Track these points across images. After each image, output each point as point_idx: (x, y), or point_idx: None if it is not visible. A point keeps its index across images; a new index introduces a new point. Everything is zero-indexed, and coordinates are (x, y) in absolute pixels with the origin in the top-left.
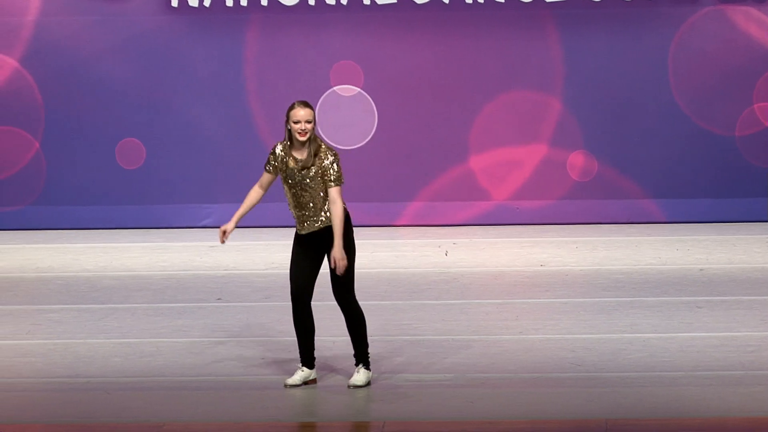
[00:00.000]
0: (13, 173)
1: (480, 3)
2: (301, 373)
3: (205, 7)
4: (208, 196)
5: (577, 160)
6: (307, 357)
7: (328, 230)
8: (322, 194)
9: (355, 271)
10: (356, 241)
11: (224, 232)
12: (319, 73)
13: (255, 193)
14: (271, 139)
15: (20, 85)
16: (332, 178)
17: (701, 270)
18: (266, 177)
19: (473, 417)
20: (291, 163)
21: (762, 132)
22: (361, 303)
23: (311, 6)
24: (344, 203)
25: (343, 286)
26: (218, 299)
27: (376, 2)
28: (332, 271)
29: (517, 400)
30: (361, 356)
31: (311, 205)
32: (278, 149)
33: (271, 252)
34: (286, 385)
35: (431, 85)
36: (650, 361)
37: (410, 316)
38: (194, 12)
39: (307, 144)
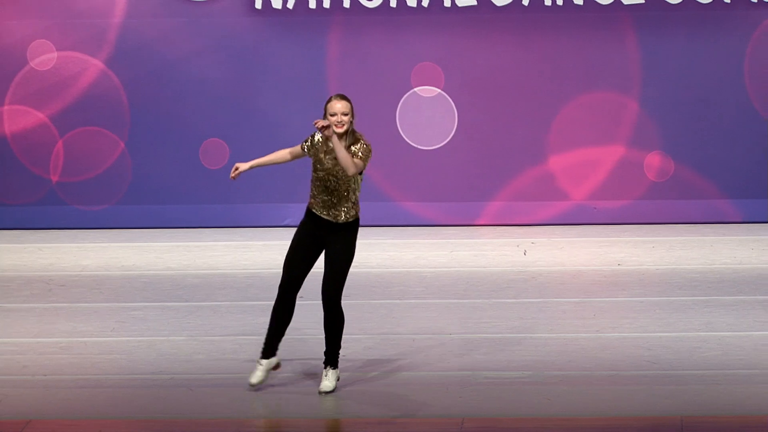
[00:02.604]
0: (99, 173)
1: (559, 5)
2: (261, 368)
3: (288, 9)
4: (290, 196)
5: (654, 161)
6: (271, 348)
7: (344, 226)
8: (349, 188)
9: (430, 270)
10: (436, 240)
11: (237, 168)
12: (400, 74)
13: (282, 156)
14: None
15: (106, 86)
16: (359, 155)
17: None
18: (298, 150)
19: (551, 414)
20: (324, 154)
21: None
22: (439, 301)
23: (392, 8)
24: (360, 172)
25: (336, 284)
26: (300, 297)
27: (456, 4)
28: (327, 267)
29: (595, 397)
30: (332, 358)
31: (337, 196)
32: (317, 136)
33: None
34: (251, 385)
35: (510, 86)
36: (725, 359)
37: (489, 314)
38: (277, 14)
39: (345, 137)
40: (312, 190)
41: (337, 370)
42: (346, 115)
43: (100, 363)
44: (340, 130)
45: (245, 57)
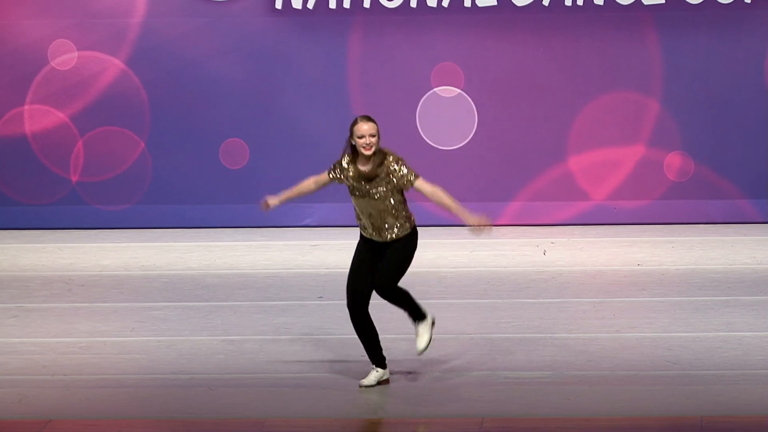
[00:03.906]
0: (120, 173)
1: (579, 5)
2: (376, 374)
3: (309, 8)
4: (310, 196)
5: (674, 161)
6: (377, 358)
7: (393, 242)
8: (388, 206)
9: (450, 270)
10: (456, 240)
11: (267, 203)
12: (421, 74)
13: (307, 186)
14: None
15: (126, 86)
16: (407, 175)
17: None
18: (324, 178)
19: (571, 414)
20: (354, 177)
21: None
22: (459, 301)
23: (413, 8)
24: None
25: (387, 275)
26: (320, 297)
27: (476, 4)
28: (381, 264)
29: (615, 397)
30: (417, 313)
31: (382, 217)
32: (344, 162)
33: None
34: (361, 386)
35: (531, 86)
36: (745, 359)
37: (509, 314)
38: (298, 13)
39: (372, 157)
40: (356, 215)
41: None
42: (373, 136)
43: (120, 363)
44: (369, 153)
45: (265, 57)
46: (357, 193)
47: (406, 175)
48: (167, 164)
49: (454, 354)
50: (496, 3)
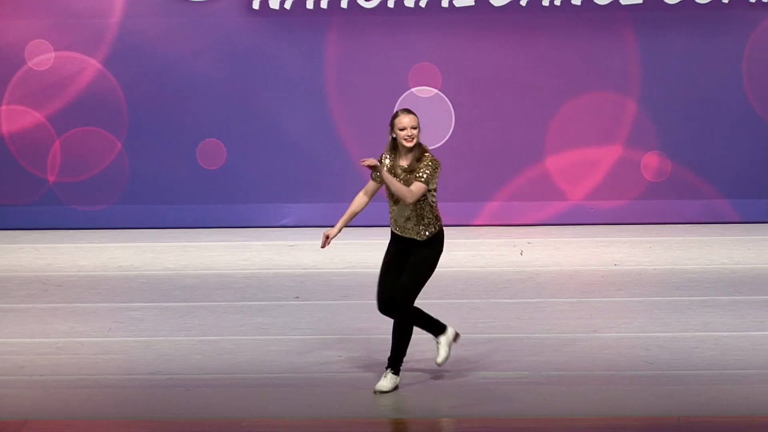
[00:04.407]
0: (97, 173)
1: (556, 5)
2: (393, 379)
3: (286, 9)
4: (288, 196)
5: (651, 161)
6: (396, 363)
7: (427, 242)
8: (425, 205)
9: (435, 269)
10: None
11: (327, 237)
12: (398, 74)
13: (360, 200)
14: (350, 140)
15: (104, 86)
16: (422, 176)
17: None
18: (372, 185)
19: (548, 414)
20: (394, 172)
21: None
22: (438, 301)
23: (390, 8)
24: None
25: (406, 287)
26: (296, 297)
27: (454, 4)
28: (402, 275)
29: (592, 397)
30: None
31: (415, 216)
32: (387, 160)
33: (350, 251)
34: (376, 392)
35: (508, 86)
36: (723, 359)
37: (486, 314)
38: (275, 14)
39: (413, 150)
40: (390, 213)
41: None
42: (415, 128)
43: (98, 363)
44: (410, 144)
45: (243, 57)
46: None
47: (424, 171)
48: (144, 164)
49: (431, 355)
50: (473, 3)
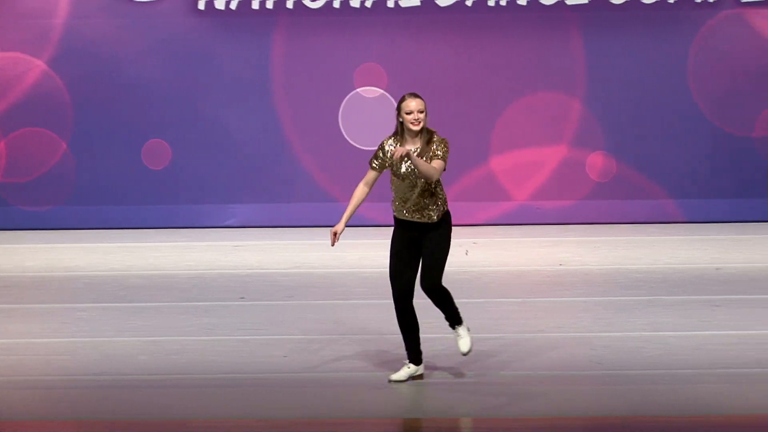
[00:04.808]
0: (42, 174)
1: (502, 6)
2: (407, 370)
3: (232, 9)
4: (233, 197)
5: (596, 161)
6: (414, 353)
7: (437, 224)
8: (437, 184)
9: (373, 270)
10: (377, 241)
11: (335, 234)
12: (343, 74)
13: (361, 192)
14: (296, 140)
15: (49, 87)
16: (440, 153)
17: (719, 269)
18: (372, 174)
19: (492, 415)
20: (401, 160)
21: None
22: (383, 302)
23: (336, 8)
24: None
25: (435, 270)
26: (241, 298)
27: (399, 5)
28: (425, 259)
29: (538, 397)
30: (456, 318)
31: (427, 196)
32: (388, 144)
33: (295, 251)
34: (390, 381)
35: (454, 86)
36: (668, 359)
37: (432, 315)
38: (221, 14)
39: (420, 134)
40: (397, 198)
41: (465, 325)
42: (421, 112)
43: (44, 364)
44: (417, 128)
45: (188, 58)
46: (402, 172)
47: (439, 150)
48: (90, 165)
49: (374, 355)
50: (419, 3)
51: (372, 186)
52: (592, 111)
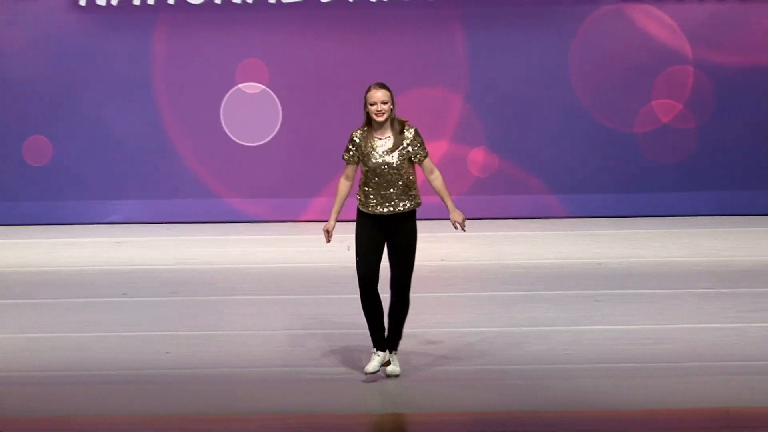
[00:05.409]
0: None
1: (385, 2)
2: (378, 358)
3: (113, 5)
4: (115, 193)
5: (477, 156)
6: (380, 340)
7: (405, 216)
8: (404, 174)
9: (257, 266)
10: (262, 237)
11: (328, 231)
12: (225, 70)
13: (344, 186)
14: (177, 136)
15: None
16: (421, 152)
17: (600, 264)
18: (349, 168)
19: (363, 410)
20: (372, 149)
21: (659, 129)
22: (266, 297)
23: (217, 5)
24: None
25: (407, 272)
26: (124, 294)
27: (281, 1)
28: (393, 257)
29: (417, 392)
30: (396, 342)
31: (393, 188)
32: (356, 137)
33: (178, 248)
34: (366, 373)
35: (335, 82)
36: (549, 353)
37: (315, 310)
38: (102, 10)
39: (389, 124)
40: (366, 188)
41: (386, 354)
42: (385, 103)
43: None
44: (381, 119)
45: (70, 54)
46: (373, 161)
47: (421, 147)
48: None
49: (257, 351)
50: None
51: (353, 179)
52: (473, 106)
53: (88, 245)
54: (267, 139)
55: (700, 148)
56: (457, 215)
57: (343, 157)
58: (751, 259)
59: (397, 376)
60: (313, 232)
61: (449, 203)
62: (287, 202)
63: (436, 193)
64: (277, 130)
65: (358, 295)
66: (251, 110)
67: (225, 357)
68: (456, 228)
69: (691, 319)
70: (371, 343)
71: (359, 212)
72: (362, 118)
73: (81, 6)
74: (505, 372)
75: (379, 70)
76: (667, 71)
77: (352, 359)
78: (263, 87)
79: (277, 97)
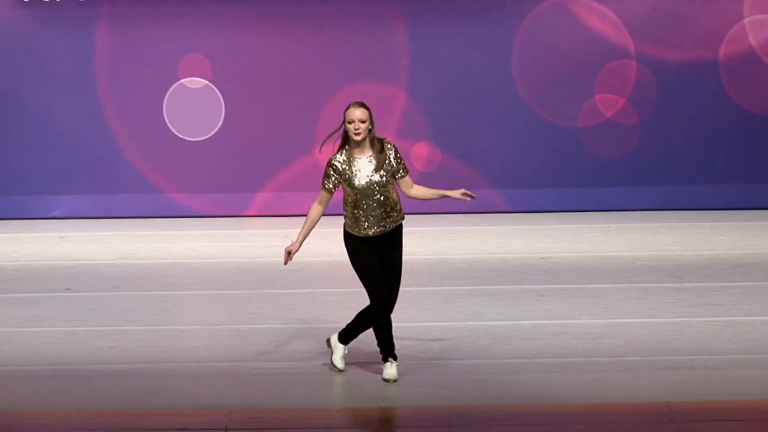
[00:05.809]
0: None
1: None
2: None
3: (55, 1)
4: (58, 188)
5: (421, 151)
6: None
7: (394, 232)
8: (391, 192)
9: (199, 260)
10: (205, 231)
11: (289, 253)
12: (167, 65)
13: (316, 212)
14: (120, 131)
15: None
16: (402, 169)
17: (544, 259)
18: (325, 196)
19: (317, 405)
20: (354, 173)
21: (603, 123)
22: (209, 292)
23: None
24: None
25: (397, 287)
26: (67, 289)
27: None
28: (384, 275)
29: (359, 387)
30: (392, 351)
31: (387, 204)
32: (337, 161)
33: (121, 243)
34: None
35: (279, 77)
36: (493, 348)
37: (259, 305)
38: (45, 5)
39: (369, 143)
40: (356, 212)
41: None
42: (363, 122)
43: None
44: (358, 138)
45: (11, 49)
46: (357, 184)
47: (400, 164)
48: None
49: (201, 345)
50: None
51: (326, 205)
52: (415, 101)
53: (30, 240)
54: (210, 134)
55: (643, 142)
56: (460, 191)
57: (323, 186)
58: (695, 254)
59: (396, 380)
60: (257, 227)
61: (445, 191)
62: (230, 197)
63: (428, 198)
64: (220, 125)
65: (301, 290)
66: (194, 105)
67: (168, 352)
68: (468, 199)
69: (635, 313)
70: (332, 342)
71: (348, 235)
72: (311, 119)
73: (23, 1)
74: (449, 366)
75: (321, 66)
76: (609, 66)
77: (297, 354)
78: (206, 82)
79: (220, 92)
